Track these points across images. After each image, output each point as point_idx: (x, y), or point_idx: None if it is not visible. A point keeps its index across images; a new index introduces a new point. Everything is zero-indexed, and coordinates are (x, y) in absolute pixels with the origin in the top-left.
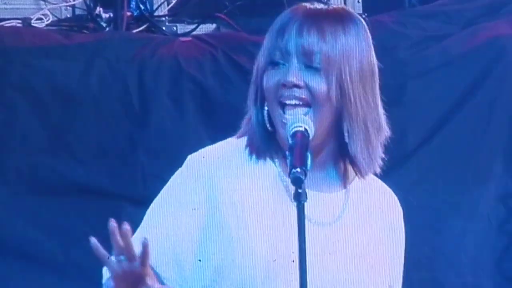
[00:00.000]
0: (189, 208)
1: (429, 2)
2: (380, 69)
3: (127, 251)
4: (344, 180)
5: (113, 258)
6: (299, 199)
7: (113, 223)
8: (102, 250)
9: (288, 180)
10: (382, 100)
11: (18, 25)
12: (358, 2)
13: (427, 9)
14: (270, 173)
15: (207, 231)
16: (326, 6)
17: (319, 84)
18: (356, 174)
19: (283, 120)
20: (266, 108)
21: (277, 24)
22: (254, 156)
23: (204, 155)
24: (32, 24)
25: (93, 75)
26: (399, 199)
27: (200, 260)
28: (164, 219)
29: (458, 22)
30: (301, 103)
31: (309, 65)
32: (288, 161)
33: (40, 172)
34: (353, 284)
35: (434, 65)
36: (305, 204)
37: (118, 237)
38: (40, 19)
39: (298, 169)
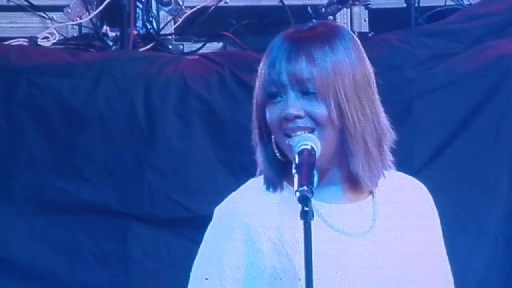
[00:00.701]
0: (230, 259)
1: (436, 20)
2: (386, 88)
3: None
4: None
5: None
6: (306, 217)
7: None
8: None
9: (313, 203)
10: (383, 106)
11: (25, 43)
12: (365, 20)
13: (434, 27)
14: (292, 200)
15: (250, 279)
16: (310, 26)
17: (319, 110)
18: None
19: (290, 143)
20: (273, 140)
21: (268, 55)
22: (271, 189)
23: (231, 202)
24: (39, 43)
25: (99, 94)
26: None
27: None
28: (209, 276)
29: (465, 41)
30: (306, 132)
31: (305, 92)
32: (295, 179)
33: (47, 190)
34: None
35: (441, 83)
36: (334, 217)
37: None
38: (47, 37)
39: (305, 187)
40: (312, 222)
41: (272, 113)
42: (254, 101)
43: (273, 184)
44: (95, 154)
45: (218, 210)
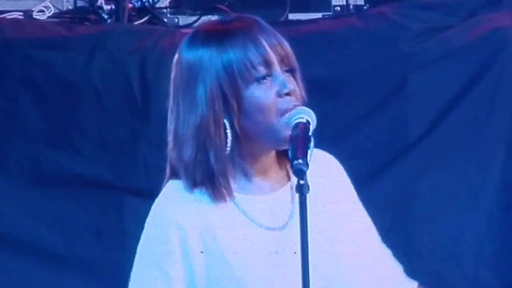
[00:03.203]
0: (170, 258)
1: None
2: (381, 60)
3: None
4: (288, 176)
5: None
6: (302, 191)
7: None
8: None
9: (246, 207)
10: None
11: (20, 17)
12: None
13: (428, 0)
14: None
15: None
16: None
17: (297, 87)
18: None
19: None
20: (228, 133)
21: (226, 42)
22: (217, 196)
23: (159, 207)
24: (34, 16)
25: (94, 67)
26: None
27: None
28: (152, 277)
29: (459, 14)
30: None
31: (286, 69)
32: (289, 152)
33: (42, 164)
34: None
35: (435, 56)
36: (252, 209)
37: None
38: (42, 11)
39: (300, 161)
40: (255, 231)
41: (267, 92)
42: (215, 89)
43: (220, 186)
44: (90, 128)
45: (149, 220)
